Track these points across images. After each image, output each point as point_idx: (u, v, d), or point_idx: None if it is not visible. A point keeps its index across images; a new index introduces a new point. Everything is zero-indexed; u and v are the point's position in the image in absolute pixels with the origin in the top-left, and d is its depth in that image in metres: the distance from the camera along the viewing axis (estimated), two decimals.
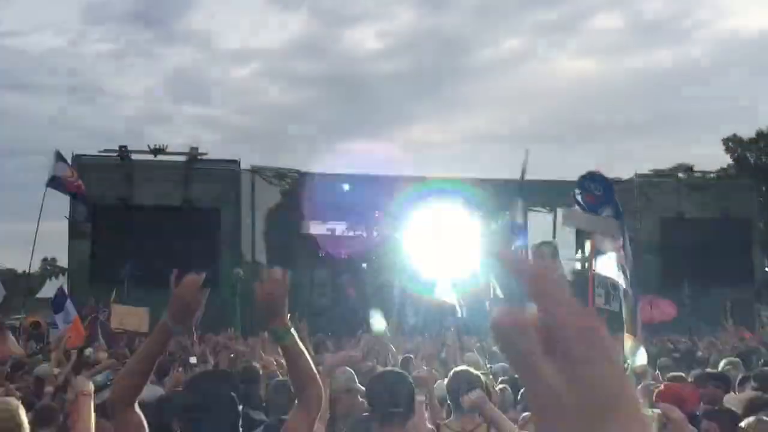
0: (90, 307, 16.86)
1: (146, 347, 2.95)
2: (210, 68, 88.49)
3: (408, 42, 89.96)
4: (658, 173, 29.01)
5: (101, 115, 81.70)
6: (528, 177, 26.21)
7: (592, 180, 9.30)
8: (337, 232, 28.58)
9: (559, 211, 28.41)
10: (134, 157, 25.91)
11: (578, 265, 25.08)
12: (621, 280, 8.33)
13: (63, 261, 26.83)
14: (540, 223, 28.90)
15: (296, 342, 2.91)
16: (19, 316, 22.75)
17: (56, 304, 15.99)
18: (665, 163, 29.96)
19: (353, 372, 5.29)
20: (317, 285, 27.17)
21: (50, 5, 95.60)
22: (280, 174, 26.71)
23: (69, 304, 15.68)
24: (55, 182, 20.84)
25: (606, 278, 11.11)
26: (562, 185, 28.01)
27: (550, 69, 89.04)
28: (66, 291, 17.29)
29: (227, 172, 26.22)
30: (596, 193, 9.04)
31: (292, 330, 2.88)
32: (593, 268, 9.09)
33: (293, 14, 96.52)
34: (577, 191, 9.58)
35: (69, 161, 25.28)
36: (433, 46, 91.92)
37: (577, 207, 9.87)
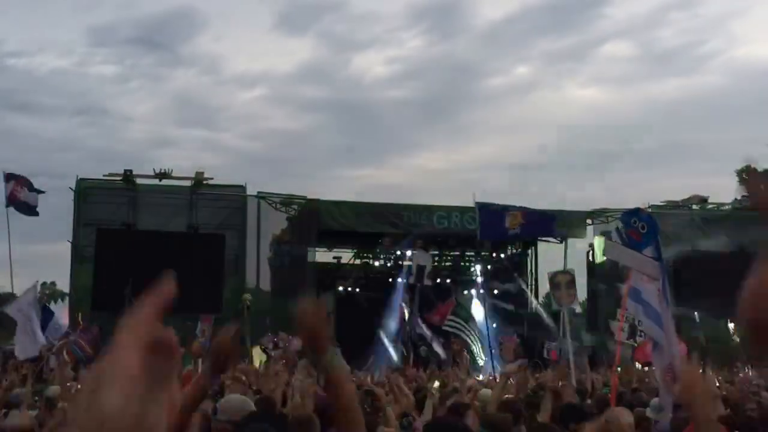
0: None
1: (189, 395, 3.06)
2: (216, 92, 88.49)
3: (416, 69, 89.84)
4: (671, 204, 28.50)
5: (106, 137, 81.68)
6: (536, 206, 25.89)
7: (638, 216, 9.07)
8: (343, 260, 28.22)
9: (570, 242, 28.04)
10: (139, 181, 25.64)
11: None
12: (652, 323, 8.13)
13: (62, 284, 26.43)
14: (550, 253, 28.46)
15: (342, 372, 2.79)
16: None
17: (45, 320, 16.02)
18: (677, 194, 29.41)
19: None
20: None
21: (56, 26, 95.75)
22: (287, 200, 26.37)
23: (53, 323, 15.87)
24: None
25: (632, 314, 10.74)
26: (572, 215, 27.81)
27: (560, 97, 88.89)
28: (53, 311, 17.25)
29: (233, 197, 25.94)
30: (641, 231, 8.79)
31: (337, 360, 2.73)
32: (624, 306, 8.91)
33: (300, 39, 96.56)
34: (620, 225, 9.40)
35: (73, 185, 25.18)
36: (442, 73, 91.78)
37: (618, 240, 9.57)
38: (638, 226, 8.95)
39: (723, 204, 28.92)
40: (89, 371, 0.64)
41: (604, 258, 24.20)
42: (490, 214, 17.76)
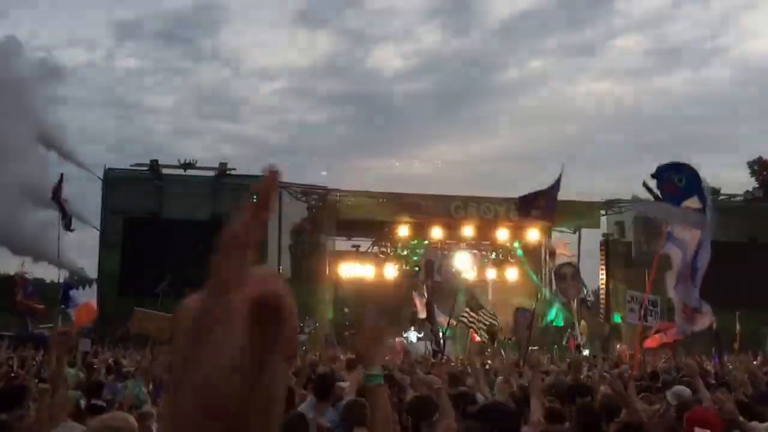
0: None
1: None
2: (238, 85, 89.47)
3: (433, 63, 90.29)
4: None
5: (132, 128, 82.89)
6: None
7: (675, 170, 8.91)
8: (362, 249, 28.85)
9: (584, 232, 28.53)
10: (164, 171, 26.40)
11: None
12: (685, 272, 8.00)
13: (90, 270, 27.27)
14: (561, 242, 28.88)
15: (383, 388, 2.94)
16: (50, 325, 23.11)
17: (66, 299, 16.63)
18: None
19: None
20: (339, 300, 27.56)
21: (84, 21, 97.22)
22: (307, 190, 27.05)
23: (79, 291, 16.47)
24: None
25: (643, 295, 10.91)
26: (584, 206, 28.25)
27: (572, 90, 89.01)
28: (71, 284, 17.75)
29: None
30: (678, 184, 8.71)
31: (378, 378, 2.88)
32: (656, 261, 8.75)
33: (319, 34, 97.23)
34: (655, 182, 9.12)
35: (101, 175, 25.99)
36: (458, 66, 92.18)
37: (651, 198, 9.50)
38: (675, 179, 8.70)
39: (734, 195, 29.25)
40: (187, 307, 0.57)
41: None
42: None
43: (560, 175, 20.99)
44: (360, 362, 3.24)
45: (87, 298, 17.09)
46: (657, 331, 14.26)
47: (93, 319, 17.79)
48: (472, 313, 20.63)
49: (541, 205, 21.03)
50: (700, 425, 4.70)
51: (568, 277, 17.69)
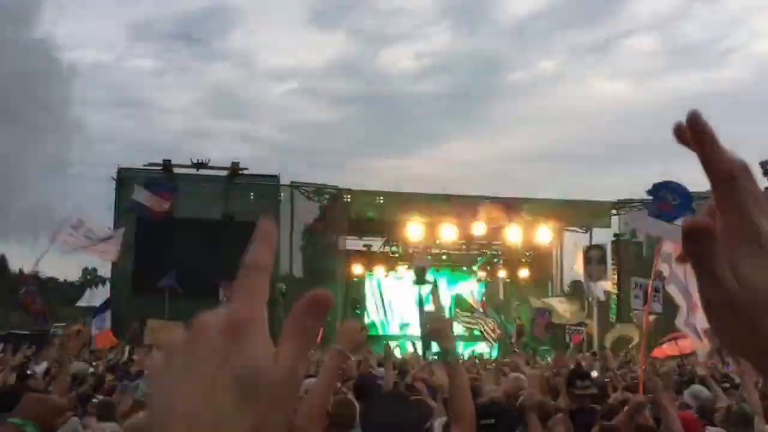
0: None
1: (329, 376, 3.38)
2: (250, 85, 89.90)
3: (444, 63, 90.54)
4: (696, 196, 28.71)
5: (145, 128, 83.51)
6: (563, 197, 26.27)
7: (667, 189, 9.05)
8: (373, 248, 28.92)
9: (595, 231, 28.46)
10: (177, 170, 26.53)
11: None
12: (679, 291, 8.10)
13: (103, 271, 27.47)
14: (575, 243, 28.86)
15: (459, 362, 3.30)
16: (62, 324, 23.31)
17: (98, 310, 17.16)
18: (701, 186, 29.43)
19: None
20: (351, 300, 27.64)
21: (97, 22, 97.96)
22: (319, 190, 27.15)
23: (108, 314, 16.91)
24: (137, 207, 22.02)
25: (647, 281, 10.93)
26: (595, 205, 28.20)
27: (584, 90, 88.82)
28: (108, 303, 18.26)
29: (267, 186, 26.74)
30: (672, 202, 8.85)
31: (457, 351, 3.30)
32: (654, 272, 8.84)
33: (331, 34, 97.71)
34: (649, 198, 9.23)
35: (114, 175, 26.15)
36: (469, 67, 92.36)
37: (646, 213, 9.66)
38: (669, 198, 8.85)
39: None
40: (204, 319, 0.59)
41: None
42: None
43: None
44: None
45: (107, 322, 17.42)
46: (670, 339, 14.23)
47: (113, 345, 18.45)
48: (465, 313, 20.70)
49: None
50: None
51: (594, 260, 17.67)
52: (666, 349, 15.16)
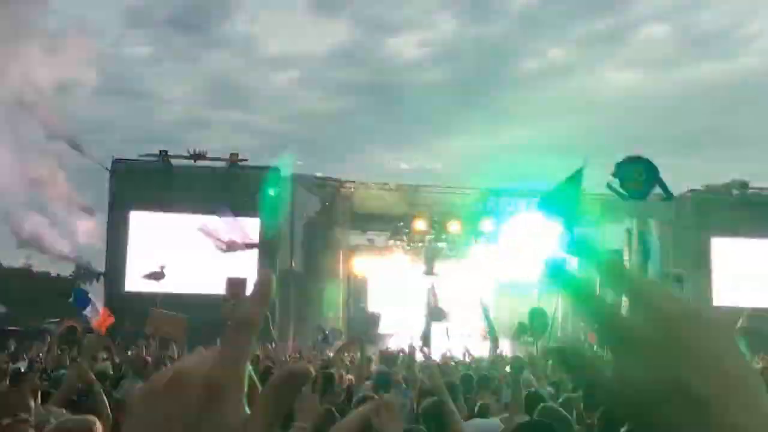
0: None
1: None
2: (250, 74, 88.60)
3: (450, 51, 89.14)
4: (711, 189, 27.88)
5: (141, 118, 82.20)
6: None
7: (633, 163, 8.58)
8: (377, 242, 28.13)
9: (607, 225, 27.61)
10: (174, 162, 25.68)
11: None
12: None
13: (98, 264, 26.65)
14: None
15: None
16: (55, 320, 22.65)
17: (80, 301, 16.60)
18: (717, 178, 28.73)
19: None
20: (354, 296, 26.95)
21: (91, 8, 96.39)
22: (320, 182, 26.30)
23: (92, 299, 16.47)
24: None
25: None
26: (607, 199, 27.35)
27: (596, 80, 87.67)
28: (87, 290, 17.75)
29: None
30: (639, 179, 8.41)
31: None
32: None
33: (334, 22, 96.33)
34: (614, 180, 8.85)
35: (109, 165, 25.30)
36: (476, 55, 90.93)
37: (615, 194, 9.09)
38: (634, 174, 8.61)
39: (765, 188, 28.24)
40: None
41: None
42: None
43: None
44: None
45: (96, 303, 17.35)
46: None
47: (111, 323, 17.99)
48: None
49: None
50: None
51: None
52: None
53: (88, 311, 16.73)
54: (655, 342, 0.57)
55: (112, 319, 17.11)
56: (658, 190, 8.30)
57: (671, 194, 8.14)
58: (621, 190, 8.89)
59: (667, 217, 24.88)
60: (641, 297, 0.59)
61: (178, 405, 0.57)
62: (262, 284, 0.62)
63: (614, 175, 9.20)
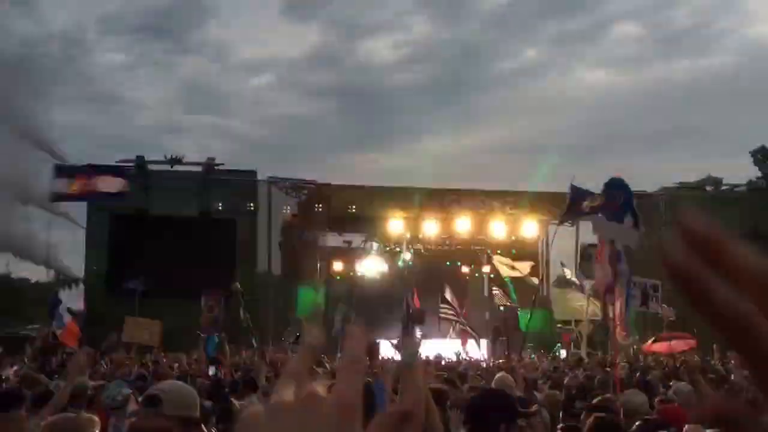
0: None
1: None
2: (224, 79, 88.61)
3: (425, 53, 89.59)
4: (684, 186, 28.23)
5: (116, 124, 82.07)
6: (549, 189, 25.68)
7: (614, 187, 8.86)
8: (353, 245, 28.25)
9: (582, 224, 27.87)
10: (151, 167, 25.79)
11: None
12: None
13: (77, 270, 26.69)
14: (563, 235, 28.30)
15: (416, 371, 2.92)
16: (34, 326, 22.67)
17: (52, 310, 16.39)
18: (690, 176, 29.13)
19: None
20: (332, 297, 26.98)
21: (65, 14, 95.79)
22: (297, 185, 26.45)
23: (62, 309, 16.14)
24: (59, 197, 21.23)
25: (645, 280, 10.61)
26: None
27: (568, 80, 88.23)
28: (60, 297, 17.49)
29: (244, 182, 26.08)
30: (619, 201, 8.63)
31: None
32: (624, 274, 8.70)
33: (308, 25, 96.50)
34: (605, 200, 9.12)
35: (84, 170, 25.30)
36: (450, 57, 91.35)
37: (600, 215, 9.40)
38: (615, 196, 8.82)
39: (737, 185, 28.62)
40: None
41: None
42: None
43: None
44: None
45: (68, 316, 16.97)
46: (669, 338, 14.11)
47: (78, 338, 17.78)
48: (445, 306, 20.19)
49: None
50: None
51: (590, 257, 17.08)
52: (656, 347, 14.90)
53: (54, 324, 16.63)
54: None
55: (78, 333, 16.93)
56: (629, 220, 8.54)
57: (639, 223, 8.42)
58: (606, 210, 9.18)
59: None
60: None
61: (319, 421, 0.55)
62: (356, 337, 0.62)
63: (603, 191, 9.60)
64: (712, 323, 0.42)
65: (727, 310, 0.41)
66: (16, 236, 24.84)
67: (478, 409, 3.62)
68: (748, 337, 0.42)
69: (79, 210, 25.98)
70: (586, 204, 20.15)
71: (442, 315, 19.77)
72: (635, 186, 25.69)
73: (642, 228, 8.65)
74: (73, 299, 27.79)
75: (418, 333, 23.82)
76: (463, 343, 19.59)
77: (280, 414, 0.57)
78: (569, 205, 19.19)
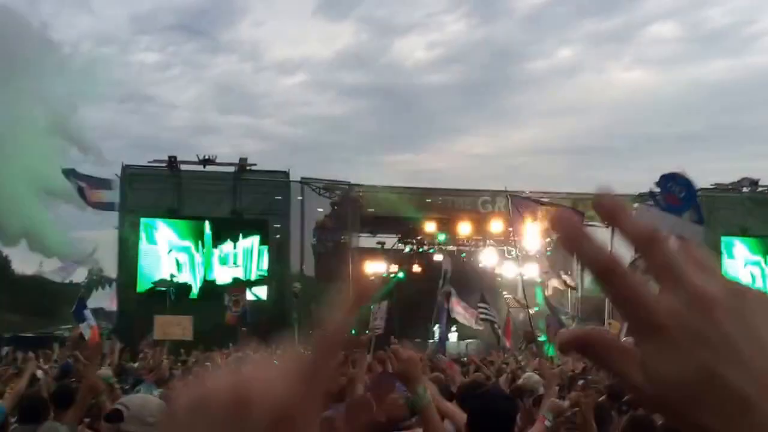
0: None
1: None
2: (257, 79, 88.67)
3: (458, 53, 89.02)
4: (720, 187, 27.80)
5: (149, 124, 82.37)
6: (583, 190, 25.45)
7: (674, 181, 8.66)
8: (387, 245, 28.11)
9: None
10: (183, 167, 25.76)
11: None
12: None
13: (110, 270, 26.80)
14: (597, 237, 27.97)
15: (431, 406, 3.02)
16: (68, 326, 22.78)
17: (78, 312, 16.65)
18: (726, 177, 28.68)
19: None
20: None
21: (98, 15, 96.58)
22: (330, 186, 26.34)
23: (88, 312, 16.52)
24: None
25: None
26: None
27: (604, 80, 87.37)
28: (84, 301, 17.87)
29: (276, 183, 25.97)
30: (679, 195, 8.45)
31: (427, 395, 2.97)
32: None
33: (341, 24, 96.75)
34: (657, 189, 9.04)
35: (119, 172, 25.40)
36: (484, 56, 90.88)
37: (653, 205, 9.22)
38: (676, 191, 8.63)
39: None
40: None
41: None
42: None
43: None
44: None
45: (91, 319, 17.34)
46: None
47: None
48: (483, 305, 20.11)
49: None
50: None
51: (638, 270, 16.87)
52: None
53: (83, 326, 16.83)
54: (688, 328, 0.47)
55: (99, 340, 17.19)
56: (692, 215, 8.38)
57: (703, 220, 8.22)
58: (660, 201, 9.01)
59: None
60: (671, 271, 0.49)
61: None
62: (361, 291, 0.53)
63: (657, 183, 9.41)
64: (589, 269, 0.50)
65: (597, 255, 0.50)
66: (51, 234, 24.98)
67: None
68: (613, 279, 0.50)
69: (112, 211, 26.12)
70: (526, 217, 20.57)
71: (482, 315, 19.61)
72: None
73: (703, 224, 8.43)
74: (104, 299, 28.10)
75: (454, 333, 23.73)
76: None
77: (193, 416, 0.46)
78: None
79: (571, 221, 0.51)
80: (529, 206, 21.66)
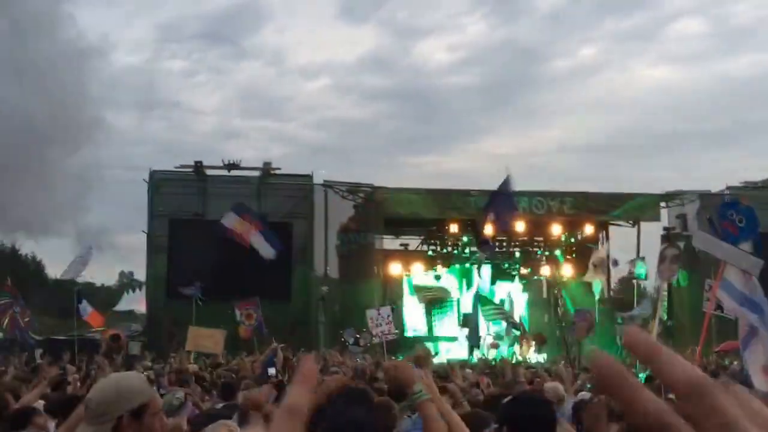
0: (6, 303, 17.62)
1: None
2: (280, 83, 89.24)
3: (479, 54, 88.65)
4: (749, 185, 27.37)
5: (176, 130, 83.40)
6: (608, 190, 25.28)
7: (735, 209, 8.55)
8: (410, 247, 28.15)
9: (643, 225, 27.26)
10: (208, 172, 26.13)
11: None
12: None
13: (139, 274, 27.25)
14: (622, 236, 27.80)
15: (429, 403, 3.02)
16: (99, 329, 23.15)
17: (78, 308, 17.96)
18: (756, 175, 28.22)
19: None
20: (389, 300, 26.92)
21: (126, 24, 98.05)
22: (353, 188, 26.48)
23: (84, 305, 17.94)
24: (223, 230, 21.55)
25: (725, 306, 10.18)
26: (645, 198, 27.06)
27: (628, 78, 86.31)
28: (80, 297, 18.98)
29: (300, 186, 26.20)
30: (738, 225, 8.31)
31: (423, 392, 2.99)
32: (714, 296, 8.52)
33: (363, 28, 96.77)
34: (715, 215, 8.93)
35: (147, 177, 25.81)
36: (506, 57, 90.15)
37: (710, 231, 9.11)
38: (735, 219, 8.46)
39: None
40: None
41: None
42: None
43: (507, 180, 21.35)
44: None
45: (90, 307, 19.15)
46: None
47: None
48: (487, 307, 20.09)
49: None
50: None
51: (668, 259, 16.64)
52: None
53: (80, 315, 18.07)
54: None
55: (101, 317, 19.23)
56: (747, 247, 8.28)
57: (761, 252, 8.09)
58: (717, 227, 8.92)
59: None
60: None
61: None
62: (305, 372, 0.59)
63: (718, 209, 9.41)
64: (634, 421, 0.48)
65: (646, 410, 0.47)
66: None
67: None
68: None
69: (140, 215, 26.60)
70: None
71: (487, 315, 19.62)
72: (698, 185, 25.14)
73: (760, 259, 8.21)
74: (135, 302, 28.57)
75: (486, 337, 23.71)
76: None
77: None
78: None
79: (613, 368, 0.49)
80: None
